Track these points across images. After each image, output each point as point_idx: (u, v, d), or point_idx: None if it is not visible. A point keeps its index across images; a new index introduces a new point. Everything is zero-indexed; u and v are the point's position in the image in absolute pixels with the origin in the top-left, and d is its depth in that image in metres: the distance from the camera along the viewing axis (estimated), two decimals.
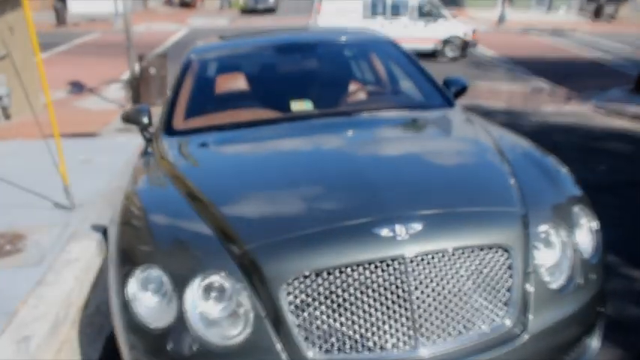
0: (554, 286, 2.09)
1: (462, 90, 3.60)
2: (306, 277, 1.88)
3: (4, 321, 3.08)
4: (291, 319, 1.86)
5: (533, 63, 14.03)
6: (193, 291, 1.95)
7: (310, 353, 1.84)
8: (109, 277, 2.21)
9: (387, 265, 1.90)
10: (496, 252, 2.00)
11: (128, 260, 2.13)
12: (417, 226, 1.97)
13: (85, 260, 3.89)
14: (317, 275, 1.88)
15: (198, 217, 2.16)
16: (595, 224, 2.34)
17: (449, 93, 3.47)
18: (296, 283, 1.88)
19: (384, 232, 1.94)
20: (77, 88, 10.63)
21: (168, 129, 3.09)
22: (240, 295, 1.93)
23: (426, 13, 14.91)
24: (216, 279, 1.96)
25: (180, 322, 1.93)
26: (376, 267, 1.89)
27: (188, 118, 3.22)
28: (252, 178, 2.44)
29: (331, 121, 3.04)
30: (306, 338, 1.86)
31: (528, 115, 8.75)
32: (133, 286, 2.03)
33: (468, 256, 1.97)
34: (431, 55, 14.58)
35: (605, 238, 2.42)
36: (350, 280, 1.88)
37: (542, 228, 2.15)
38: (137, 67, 9.17)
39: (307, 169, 2.48)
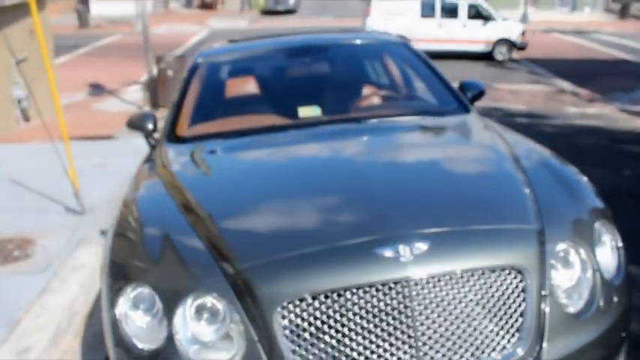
0: (572, 310, 1.91)
1: (478, 94, 3.42)
2: (302, 300, 1.75)
3: (6, 330, 3.02)
4: (285, 345, 1.73)
5: (555, 63, 13.69)
6: (184, 312, 1.84)
7: None
8: (101, 290, 2.10)
9: (390, 289, 1.75)
10: (509, 274, 1.84)
11: (120, 276, 2.02)
12: (423, 246, 1.82)
13: (91, 266, 3.81)
14: (314, 298, 1.75)
15: (193, 233, 2.04)
16: (618, 241, 2.16)
17: (465, 97, 3.30)
18: (291, 307, 1.75)
19: (387, 252, 1.79)
20: (97, 90, 10.66)
21: (171, 136, 2.99)
22: (233, 318, 1.80)
23: (477, 15, 14.78)
24: (208, 300, 1.83)
25: (170, 345, 1.81)
26: (378, 290, 1.75)
27: (192, 124, 3.11)
28: (252, 191, 2.32)
29: (338, 129, 2.91)
30: None
31: (550, 117, 8.49)
32: (123, 305, 1.92)
33: (478, 279, 1.81)
34: (481, 57, 14.36)
35: (627, 248, 2.23)
36: (349, 304, 1.74)
37: (561, 246, 1.98)
38: (155, 70, 9.15)
39: (309, 181, 2.35)
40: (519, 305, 1.83)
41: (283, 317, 1.75)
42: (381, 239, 1.84)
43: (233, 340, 1.79)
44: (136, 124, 3.20)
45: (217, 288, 1.82)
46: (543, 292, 1.86)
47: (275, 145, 2.79)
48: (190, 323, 1.83)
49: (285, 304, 1.75)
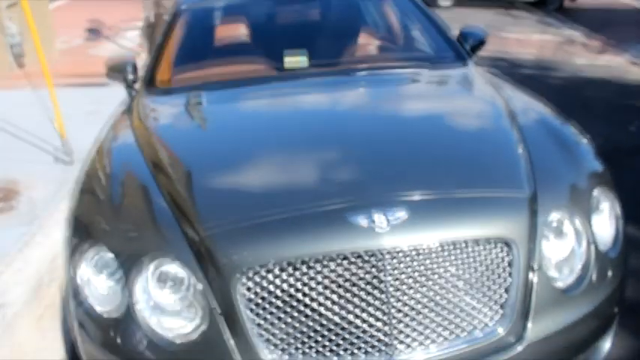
0: (562, 284, 1.77)
1: (478, 44, 3.17)
2: (266, 269, 1.61)
3: None
4: (248, 317, 1.60)
5: (568, 10, 13.12)
6: (146, 279, 1.71)
7: (268, 357, 1.59)
8: (64, 248, 1.98)
9: (363, 261, 1.60)
10: (495, 246, 1.69)
11: (83, 236, 1.89)
12: (400, 215, 1.66)
13: None
14: (279, 268, 1.61)
15: (160, 195, 1.89)
16: (617, 209, 1.99)
17: (463, 48, 3.07)
18: (256, 277, 1.61)
19: (361, 221, 1.64)
20: (94, 34, 10.31)
21: (150, 86, 2.81)
22: (196, 287, 1.67)
23: None
24: (171, 267, 1.70)
25: (131, 313, 1.69)
26: (350, 262, 1.60)
27: (172, 74, 2.92)
28: (225, 150, 2.15)
29: (324, 81, 2.71)
30: (266, 340, 1.60)
31: (558, 68, 8.14)
32: (85, 268, 1.80)
33: (461, 251, 1.66)
34: (533, 4, 13.59)
35: (627, 207, 2.06)
36: (318, 276, 1.60)
37: (554, 215, 1.81)
38: (152, 14, 8.79)
39: (284, 140, 2.17)
40: (504, 280, 1.68)
41: (248, 289, 1.61)
42: (355, 206, 1.68)
43: (197, 311, 1.67)
44: (114, 72, 3.01)
45: (180, 254, 1.69)
46: (532, 265, 1.71)
47: (255, 99, 2.60)
48: (153, 291, 1.71)
49: (247, 273, 1.60)
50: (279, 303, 1.60)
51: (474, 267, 1.66)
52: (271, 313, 1.60)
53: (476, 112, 2.41)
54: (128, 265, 1.72)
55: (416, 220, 1.66)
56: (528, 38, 10.37)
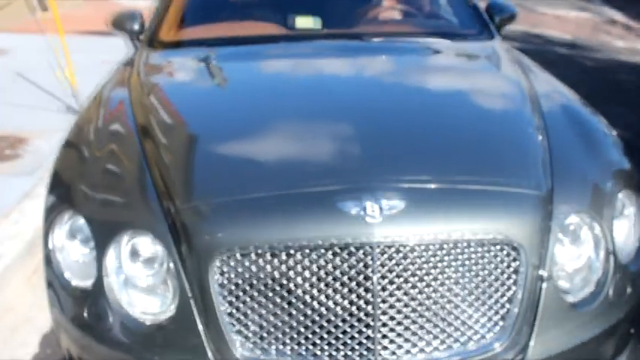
0: (573, 298, 1.58)
1: (508, 18, 2.92)
2: (243, 254, 1.46)
3: None
4: (220, 305, 1.46)
5: None
6: (119, 251, 1.58)
7: (239, 350, 1.46)
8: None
9: (349, 253, 1.44)
10: (501, 249, 1.51)
11: (61, 198, 1.77)
12: (396, 204, 1.48)
13: None
14: (257, 254, 1.46)
15: (143, 161, 1.75)
16: None
17: (491, 20, 2.82)
18: (231, 261, 1.46)
19: (352, 208, 1.46)
20: None
21: (153, 41, 2.63)
22: (169, 265, 1.53)
23: None
24: (145, 240, 1.57)
25: (100, 286, 1.57)
26: (334, 253, 1.44)
27: (177, 29, 2.74)
28: (217, 116, 1.99)
29: (336, 46, 2.50)
30: (238, 331, 1.47)
31: (593, 49, 7.70)
32: (59, 233, 1.68)
33: (461, 252, 1.48)
34: None
35: None
36: (299, 266, 1.45)
37: (572, 219, 1.61)
38: None
39: (284, 109, 1.98)
40: (508, 289, 1.51)
41: (220, 272, 1.46)
42: (346, 190, 1.51)
43: (169, 292, 1.54)
44: (119, 24, 2.84)
45: (155, 228, 1.54)
46: (541, 274, 1.53)
47: (259, 60, 2.42)
48: (125, 265, 1.58)
49: (222, 255, 1.46)
50: (254, 292, 1.46)
51: (474, 271, 1.49)
52: (245, 303, 1.46)
53: (495, 93, 2.19)
54: (101, 235, 1.59)
55: (413, 211, 1.48)
56: (566, 15, 9.85)
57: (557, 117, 2.00)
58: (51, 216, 1.73)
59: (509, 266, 1.51)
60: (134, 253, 1.57)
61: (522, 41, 6.93)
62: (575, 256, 1.62)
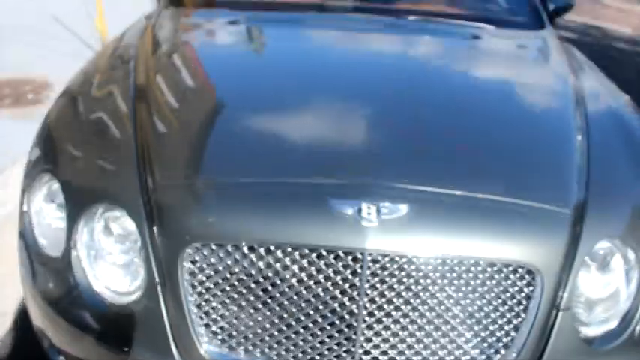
0: (591, 332, 1.36)
1: (564, 8, 2.61)
2: (219, 245, 1.29)
3: None
4: (188, 295, 1.30)
5: None
6: (90, 223, 1.43)
7: (205, 345, 1.31)
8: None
9: (337, 258, 1.25)
10: (514, 272, 1.30)
11: (44, 156, 1.63)
12: (397, 209, 1.28)
13: None
14: (235, 247, 1.28)
15: (132, 128, 1.58)
16: None
17: (545, 9, 2.53)
18: (205, 250, 1.30)
19: (345, 207, 1.27)
20: None
21: None
22: (140, 246, 1.37)
23: None
24: (118, 215, 1.42)
25: (68, 258, 1.43)
26: (320, 256, 1.26)
27: None
28: (222, 87, 1.81)
29: (370, 20, 2.27)
30: (206, 325, 1.31)
31: None
32: (37, 193, 1.55)
33: (467, 270, 1.28)
34: None
35: None
36: (279, 265, 1.27)
37: (603, 244, 1.38)
38: None
39: (297, 87, 1.78)
40: (516, 315, 1.30)
41: (191, 260, 1.30)
42: (343, 187, 1.32)
43: (138, 273, 1.39)
44: None
45: (130, 204, 1.38)
46: (558, 304, 1.31)
47: (280, 28, 2.20)
48: (96, 238, 1.44)
49: (196, 244, 1.29)
50: (226, 286, 1.30)
51: (479, 292, 1.28)
52: (215, 296, 1.30)
53: (536, 89, 1.92)
54: (74, 203, 1.45)
55: (415, 218, 1.27)
56: (631, 9, 9.19)
57: (603, 123, 1.74)
58: (31, 174, 1.59)
59: (520, 291, 1.30)
60: (107, 228, 1.43)
61: (579, 33, 6.48)
62: (601, 285, 1.39)
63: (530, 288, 1.30)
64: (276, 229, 1.27)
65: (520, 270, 1.30)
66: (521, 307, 1.30)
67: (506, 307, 1.30)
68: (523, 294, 1.30)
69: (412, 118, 1.62)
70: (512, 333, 1.30)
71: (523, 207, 1.36)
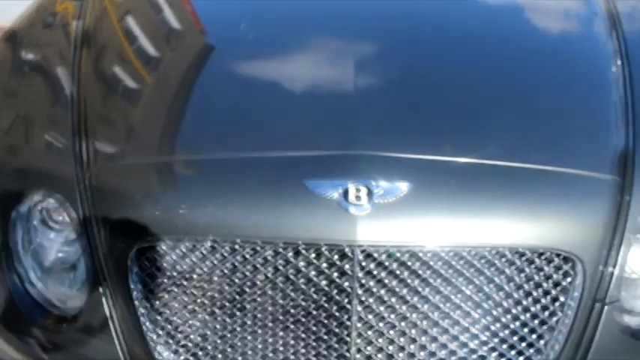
0: (635, 322, 1.08)
1: None
2: (176, 241, 1.01)
3: None
4: (140, 296, 1.05)
5: None
6: (25, 215, 1.15)
7: (160, 356, 1.06)
8: None
9: (318, 255, 0.96)
10: (548, 262, 1.00)
11: None
12: (394, 189, 0.96)
13: None
14: (195, 243, 1.00)
15: (70, 92, 1.25)
16: None
17: None
18: (159, 247, 1.02)
19: (327, 189, 0.96)
20: None
21: None
22: (83, 241, 1.10)
23: None
24: (56, 205, 1.13)
25: (3, 252, 1.16)
26: (297, 253, 0.97)
27: None
28: (190, 35, 1.46)
29: None
30: (159, 334, 1.06)
31: None
32: None
33: (488, 264, 0.99)
34: None
35: None
36: (248, 266, 0.99)
37: None
38: None
39: (289, 25, 1.40)
40: (552, 314, 1.02)
41: (143, 259, 1.04)
42: (321, 161, 1.01)
43: (81, 273, 1.12)
44: None
45: (69, 191, 1.10)
46: (602, 297, 1.03)
47: None
48: (33, 234, 1.16)
49: (147, 239, 1.02)
50: (185, 289, 1.03)
51: (505, 291, 1.00)
52: (174, 299, 1.04)
53: (561, 17, 1.54)
54: (4, 192, 1.17)
55: (419, 199, 0.97)
56: None
57: None
58: None
59: (557, 284, 1.02)
60: (44, 222, 1.15)
61: None
62: None
63: (569, 279, 1.02)
64: (242, 220, 0.98)
65: (556, 259, 1.00)
66: (558, 303, 1.02)
67: (540, 305, 1.02)
68: (560, 288, 1.02)
69: (411, 65, 1.26)
70: (547, 336, 1.02)
71: (554, 176, 1.05)
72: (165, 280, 1.04)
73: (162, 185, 1.10)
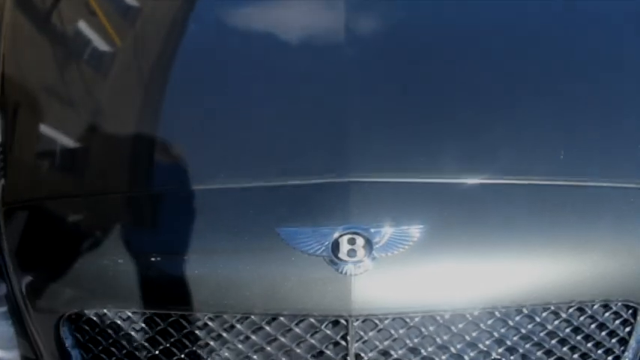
0: None
1: None
2: (114, 311, 0.77)
3: None
4: None
5: None
6: None
7: None
8: None
9: (310, 327, 0.73)
10: (604, 312, 0.77)
11: None
12: (404, 236, 0.70)
13: None
14: (140, 313, 0.76)
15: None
16: None
17: None
18: (95, 317, 0.78)
19: (310, 241, 0.69)
20: None
21: None
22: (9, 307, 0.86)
23: None
24: None
25: None
26: (280, 326, 0.73)
27: None
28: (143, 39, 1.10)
29: None
30: None
31: None
32: None
33: (528, 320, 0.75)
34: None
35: None
36: (211, 341, 0.75)
37: None
38: None
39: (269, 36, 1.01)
40: None
41: (76, 331, 0.81)
42: (299, 196, 0.74)
43: (14, 345, 0.88)
44: None
45: None
46: None
47: None
48: None
49: (75, 307, 0.79)
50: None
51: (546, 348, 0.76)
52: None
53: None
54: None
55: (434, 247, 0.71)
56: None
57: None
58: None
59: (612, 334, 0.78)
60: None
61: None
62: None
63: (628, 329, 0.78)
64: (199, 290, 0.72)
65: (613, 307, 0.76)
66: (613, 355, 0.80)
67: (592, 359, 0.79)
68: (617, 338, 0.79)
69: (427, 65, 0.91)
70: None
71: (599, 192, 0.78)
72: (107, 356, 0.80)
73: (87, 233, 0.81)
